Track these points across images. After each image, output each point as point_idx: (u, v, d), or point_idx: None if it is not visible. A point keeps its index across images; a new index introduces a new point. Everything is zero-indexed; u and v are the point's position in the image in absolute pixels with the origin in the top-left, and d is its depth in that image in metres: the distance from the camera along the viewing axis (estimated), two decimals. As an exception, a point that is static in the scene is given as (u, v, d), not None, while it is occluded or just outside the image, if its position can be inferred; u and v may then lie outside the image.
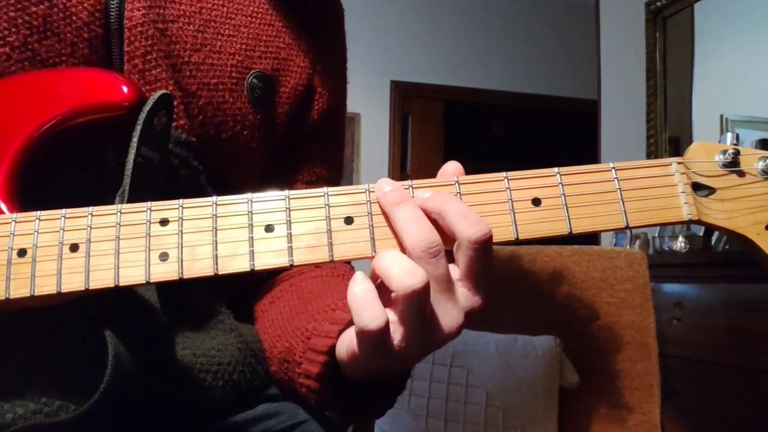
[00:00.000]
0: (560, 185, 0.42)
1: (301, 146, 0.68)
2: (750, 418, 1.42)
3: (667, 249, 1.90)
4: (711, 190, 0.44)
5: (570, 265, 1.35)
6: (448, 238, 0.40)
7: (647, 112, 2.28)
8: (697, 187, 0.44)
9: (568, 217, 0.42)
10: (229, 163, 0.60)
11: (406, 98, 3.67)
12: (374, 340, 0.39)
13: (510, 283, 1.39)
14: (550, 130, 4.74)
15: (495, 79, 3.75)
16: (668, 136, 2.22)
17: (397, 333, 0.39)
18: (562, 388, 1.24)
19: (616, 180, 0.43)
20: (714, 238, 1.86)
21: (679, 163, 0.44)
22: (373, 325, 0.38)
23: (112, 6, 0.52)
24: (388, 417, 1.28)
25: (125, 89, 0.49)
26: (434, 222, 0.41)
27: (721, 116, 2.00)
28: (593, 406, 1.28)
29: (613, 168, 0.43)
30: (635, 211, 0.42)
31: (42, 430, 0.43)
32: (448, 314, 0.40)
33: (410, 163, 3.73)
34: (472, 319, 0.42)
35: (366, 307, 0.39)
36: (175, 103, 0.54)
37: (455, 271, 0.41)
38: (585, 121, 3.11)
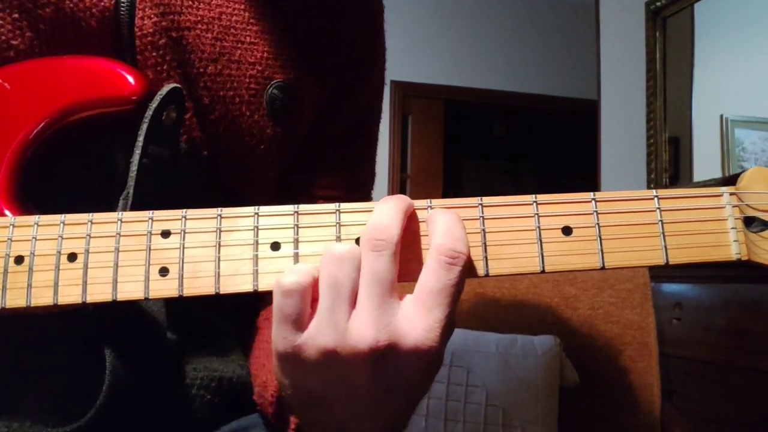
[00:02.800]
0: (594, 213, 0.38)
1: (320, 153, 0.63)
2: (750, 418, 1.42)
3: (667, 249, 1.90)
4: (765, 225, 0.39)
5: (570, 265, 1.35)
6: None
7: (647, 112, 2.28)
8: (749, 220, 0.39)
9: (602, 250, 0.38)
10: (244, 177, 0.56)
11: (406, 98, 3.67)
12: (287, 307, 0.35)
13: (510, 283, 1.39)
14: (550, 130, 4.74)
15: (495, 79, 3.75)
16: (668, 136, 2.22)
17: (308, 308, 0.35)
18: (562, 388, 1.24)
19: (658, 210, 0.39)
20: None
21: (731, 193, 0.39)
22: (286, 281, 0.35)
23: (122, 13, 0.48)
24: (388, 417, 1.28)
25: (132, 81, 0.45)
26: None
27: (721, 116, 1.99)
28: (593, 406, 1.28)
29: (656, 196, 0.39)
30: (677, 247, 0.38)
31: None
32: (369, 319, 0.34)
33: (410, 163, 3.73)
34: (407, 365, 0.34)
35: (290, 268, 0.36)
36: (188, 114, 0.50)
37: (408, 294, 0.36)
38: (585, 121, 3.11)
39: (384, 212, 0.37)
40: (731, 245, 0.39)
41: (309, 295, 0.36)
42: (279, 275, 0.36)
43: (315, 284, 0.36)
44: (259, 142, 0.55)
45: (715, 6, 2.10)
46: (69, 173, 0.48)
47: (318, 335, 0.35)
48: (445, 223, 0.37)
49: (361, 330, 0.34)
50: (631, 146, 2.35)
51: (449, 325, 0.35)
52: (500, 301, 1.38)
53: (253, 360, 0.54)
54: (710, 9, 2.11)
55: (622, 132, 2.44)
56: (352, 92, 0.63)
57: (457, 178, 4.75)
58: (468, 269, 0.36)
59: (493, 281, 1.40)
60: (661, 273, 1.68)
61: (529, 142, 5.00)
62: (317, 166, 0.63)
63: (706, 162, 2.08)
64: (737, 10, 2.04)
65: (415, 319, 0.35)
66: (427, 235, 0.38)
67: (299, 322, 0.35)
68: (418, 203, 0.39)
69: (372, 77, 0.66)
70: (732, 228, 0.39)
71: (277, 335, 0.36)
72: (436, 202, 0.39)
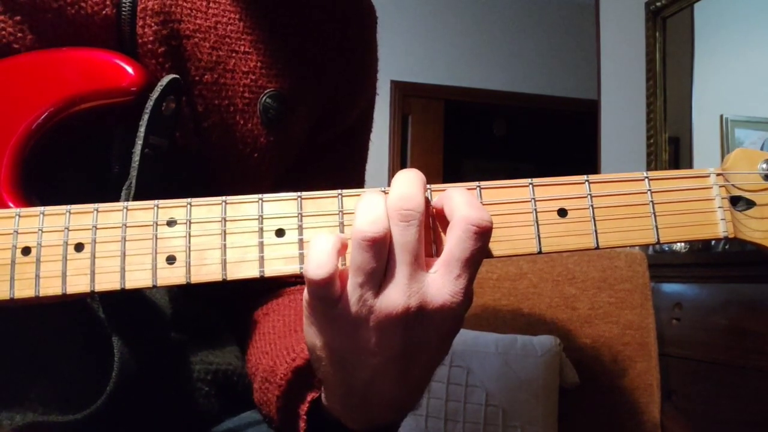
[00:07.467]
0: (588, 195, 0.40)
1: (310, 160, 0.63)
2: (750, 418, 1.43)
3: (666, 249, 1.90)
4: (750, 204, 0.40)
5: (570, 265, 1.35)
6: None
7: (647, 112, 2.28)
8: (734, 199, 0.41)
9: (596, 230, 0.39)
10: (238, 184, 0.56)
11: (406, 98, 3.67)
12: (319, 293, 0.36)
13: (510, 283, 1.39)
14: (550, 130, 4.74)
15: (495, 79, 3.75)
16: (668, 136, 2.22)
17: (339, 289, 0.36)
18: (562, 388, 1.24)
19: (649, 192, 0.40)
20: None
21: (718, 174, 0.41)
22: (316, 273, 0.35)
23: (123, 21, 0.48)
24: (388, 417, 1.28)
25: (131, 72, 0.46)
26: (441, 218, 0.38)
27: (721, 116, 2.00)
28: (593, 406, 1.28)
29: (647, 178, 0.40)
30: (667, 227, 0.40)
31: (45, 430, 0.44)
32: (398, 291, 0.35)
33: (410, 163, 3.73)
34: (432, 327, 0.36)
35: (315, 255, 0.35)
36: (183, 120, 0.51)
37: (436, 261, 0.37)
38: (585, 121, 3.11)
39: (407, 183, 0.37)
40: (719, 224, 0.40)
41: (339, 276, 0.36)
42: (307, 266, 0.36)
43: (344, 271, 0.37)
44: (252, 150, 0.55)
45: (715, 6, 2.10)
46: (69, 165, 0.48)
47: (350, 305, 0.36)
48: (466, 196, 0.37)
49: (394, 298, 0.35)
50: (631, 146, 2.35)
51: (471, 292, 0.37)
52: (500, 301, 1.38)
53: (253, 350, 0.54)
54: (710, 9, 2.11)
55: (622, 132, 2.44)
56: (347, 101, 0.63)
57: (457, 178, 4.72)
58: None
59: (493, 281, 1.40)
60: (660, 273, 1.68)
61: (529, 142, 4.99)
62: (307, 172, 0.63)
63: (706, 162, 2.08)
64: (737, 10, 2.04)
65: (443, 285, 0.36)
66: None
67: (333, 303, 0.36)
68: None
69: (366, 86, 0.66)
70: (719, 207, 0.40)
71: (316, 322, 0.37)
72: (435, 186, 0.40)
